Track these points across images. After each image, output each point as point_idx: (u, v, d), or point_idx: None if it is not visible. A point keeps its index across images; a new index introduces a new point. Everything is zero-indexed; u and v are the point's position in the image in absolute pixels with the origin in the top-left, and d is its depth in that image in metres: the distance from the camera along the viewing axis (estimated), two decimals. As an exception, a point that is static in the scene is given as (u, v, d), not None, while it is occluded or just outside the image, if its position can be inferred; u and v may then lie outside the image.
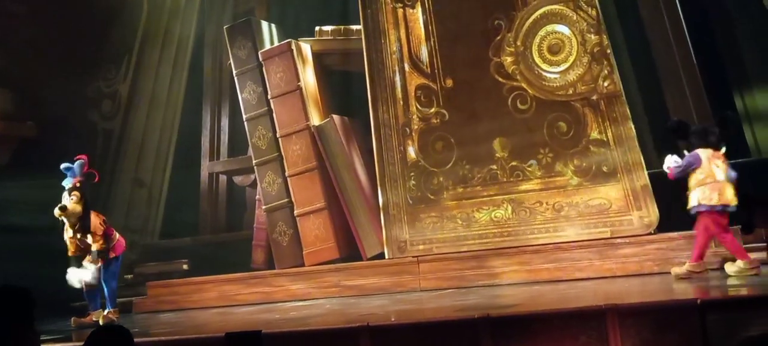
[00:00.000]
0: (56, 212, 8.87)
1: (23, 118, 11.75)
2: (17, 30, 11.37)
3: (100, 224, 9.02)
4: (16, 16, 11.39)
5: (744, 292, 6.92)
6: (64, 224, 8.97)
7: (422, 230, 9.97)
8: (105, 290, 9.21)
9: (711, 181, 7.68)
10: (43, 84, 11.56)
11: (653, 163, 9.68)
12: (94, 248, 8.97)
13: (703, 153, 7.81)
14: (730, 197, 7.66)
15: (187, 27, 13.44)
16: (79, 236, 8.97)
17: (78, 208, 8.89)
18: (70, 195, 8.98)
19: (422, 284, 9.52)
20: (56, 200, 9.34)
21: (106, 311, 9.15)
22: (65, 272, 9.06)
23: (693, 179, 7.83)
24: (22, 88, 11.71)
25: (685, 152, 7.98)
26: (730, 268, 7.67)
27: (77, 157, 9.31)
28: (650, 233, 8.94)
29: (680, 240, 8.68)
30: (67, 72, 11.85)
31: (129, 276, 11.44)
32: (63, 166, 9.16)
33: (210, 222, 13.18)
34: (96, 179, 9.56)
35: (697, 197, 7.76)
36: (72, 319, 9.13)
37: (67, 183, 9.05)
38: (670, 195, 9.01)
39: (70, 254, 9.04)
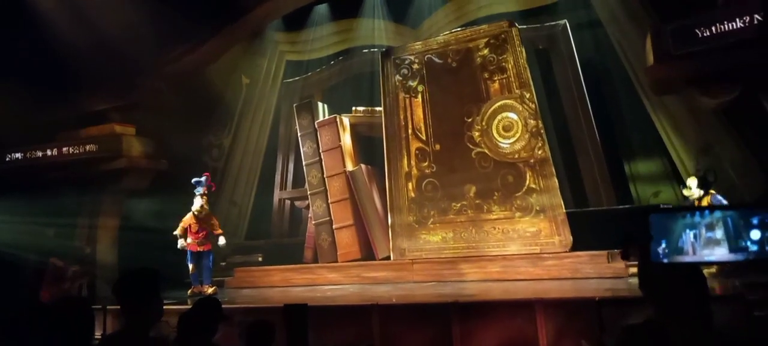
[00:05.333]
0: (196, 208, 9.02)
1: (159, 157, 11.88)
2: (158, 99, 11.55)
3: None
4: (160, 90, 11.56)
5: (626, 293, 6.83)
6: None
7: (416, 241, 9.92)
8: (205, 272, 9.24)
9: None
10: (173, 135, 11.69)
11: (569, 204, 9.63)
12: (218, 232, 9.31)
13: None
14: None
15: (270, 103, 13.61)
16: (201, 225, 9.13)
17: (207, 207, 9.09)
18: (201, 198, 9.15)
19: (414, 278, 9.43)
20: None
21: (206, 286, 9.17)
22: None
23: None
24: (159, 138, 11.85)
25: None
26: None
27: (205, 173, 9.47)
28: (566, 252, 8.85)
29: (585, 257, 8.59)
30: (189, 128, 12.00)
31: (223, 263, 11.44)
32: (194, 180, 9.31)
33: (277, 230, 13.19)
34: (213, 189, 9.83)
35: None
36: (189, 290, 9.14)
37: (199, 191, 9.22)
38: (578, 228, 8.97)
39: (178, 233, 9.24)
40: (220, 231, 9.35)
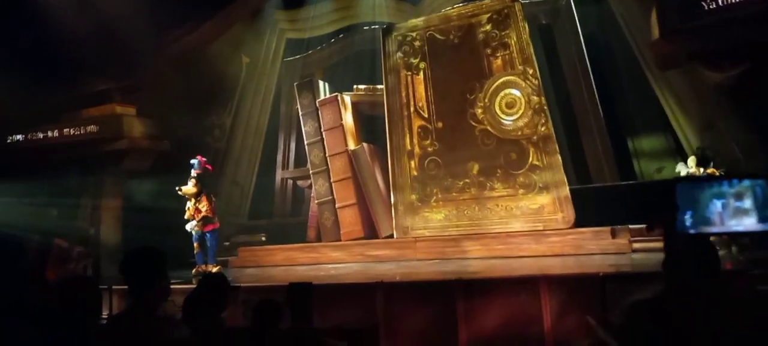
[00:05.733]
0: (187, 189, 9.01)
1: (161, 138, 11.83)
2: (159, 79, 11.47)
3: (209, 201, 9.13)
4: (160, 71, 11.48)
5: (630, 269, 6.85)
6: (186, 200, 9.07)
7: (419, 220, 9.93)
8: (210, 252, 9.24)
9: None
10: (175, 116, 11.64)
11: (572, 181, 9.61)
12: (204, 212, 9.05)
13: None
14: None
15: (271, 82, 13.51)
16: (196, 206, 9.08)
17: (193, 189, 9.02)
18: (189, 180, 9.11)
19: (418, 256, 9.45)
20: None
21: (210, 266, 9.18)
22: (185, 239, 9.12)
23: None
24: (161, 119, 11.80)
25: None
26: None
27: (199, 156, 9.41)
28: (569, 228, 8.85)
29: (589, 233, 8.60)
30: (191, 108, 11.93)
31: (227, 243, 11.45)
32: (191, 161, 9.28)
33: (280, 210, 13.19)
34: (211, 170, 9.67)
35: None
36: (194, 269, 9.14)
37: (192, 173, 9.18)
38: (581, 204, 8.96)
39: (186, 217, 9.09)
40: (206, 211, 9.20)
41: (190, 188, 9.05)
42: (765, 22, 6.31)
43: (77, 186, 11.32)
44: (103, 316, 2.95)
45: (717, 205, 1.83)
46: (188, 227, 9.08)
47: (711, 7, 6.65)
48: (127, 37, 10.27)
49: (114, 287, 7.23)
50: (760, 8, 6.30)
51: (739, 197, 1.80)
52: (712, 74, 7.82)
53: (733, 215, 1.82)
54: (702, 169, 7.85)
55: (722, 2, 6.56)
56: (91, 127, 11.33)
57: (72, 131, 11.42)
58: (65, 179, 10.96)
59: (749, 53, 6.81)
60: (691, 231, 1.85)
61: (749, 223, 1.81)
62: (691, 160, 8.16)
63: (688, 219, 1.85)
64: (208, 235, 9.17)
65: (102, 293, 2.74)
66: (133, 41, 10.45)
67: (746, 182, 1.79)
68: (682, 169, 8.20)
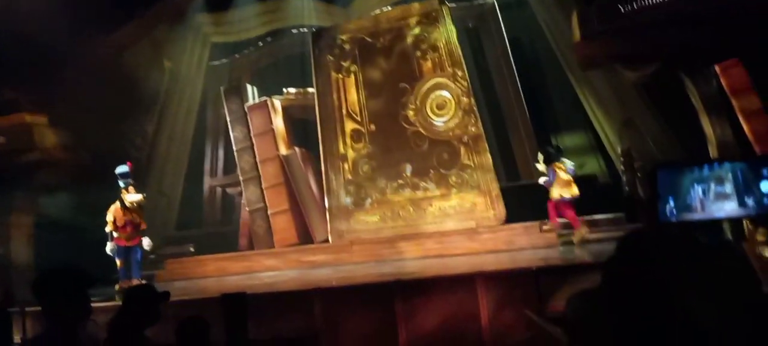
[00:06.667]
0: (133, 201, 8.45)
1: (77, 149, 11.10)
2: (76, 90, 10.79)
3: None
4: (79, 82, 10.80)
5: (560, 262, 7.07)
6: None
7: (354, 223, 9.87)
8: (136, 266, 8.77)
9: (562, 183, 8.26)
10: (92, 124, 10.98)
11: (502, 179, 9.86)
12: (143, 227, 8.65)
13: (555, 168, 8.35)
14: (574, 191, 8.23)
15: (196, 87, 13.01)
16: (128, 217, 8.57)
17: (141, 197, 8.59)
18: (132, 190, 8.61)
19: (354, 260, 9.37)
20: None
21: (134, 280, 8.71)
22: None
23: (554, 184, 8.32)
24: (79, 129, 11.08)
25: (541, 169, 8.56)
26: (575, 236, 8.23)
27: (127, 163, 8.91)
28: (501, 225, 9.06)
29: (519, 229, 8.84)
30: (110, 116, 11.30)
31: (152, 256, 10.91)
32: (119, 171, 8.73)
33: (210, 219, 12.76)
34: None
35: (557, 192, 8.26)
36: (117, 286, 8.62)
37: (128, 182, 8.66)
38: (511, 201, 9.21)
39: (109, 230, 8.55)
40: (144, 226, 8.80)
41: (138, 196, 8.57)
42: (675, 24, 6.72)
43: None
44: (16, 341, 2.69)
45: (698, 190, 1.84)
46: (109, 248, 8.55)
47: (627, 9, 7.01)
48: (40, 40, 9.60)
49: (27, 309, 6.68)
50: (671, 10, 6.70)
51: (719, 181, 1.82)
52: (629, 73, 8.24)
53: (714, 200, 1.83)
54: (546, 166, 8.47)
55: (637, 5, 6.93)
56: (-1, 139, 10.48)
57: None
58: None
59: (663, 53, 7.23)
60: (673, 219, 1.85)
61: (730, 208, 1.83)
62: (540, 159, 8.71)
63: (669, 207, 1.85)
64: (136, 247, 8.70)
65: (12, 317, 2.49)
66: (47, 45, 9.78)
67: (727, 165, 1.82)
68: (540, 179, 8.68)
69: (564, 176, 8.31)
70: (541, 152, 8.74)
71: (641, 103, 9.02)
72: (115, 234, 8.60)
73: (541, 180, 8.52)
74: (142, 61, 11.88)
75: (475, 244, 8.84)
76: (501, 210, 9.12)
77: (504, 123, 11.18)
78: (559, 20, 10.02)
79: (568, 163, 8.45)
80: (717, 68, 7.27)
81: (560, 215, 8.40)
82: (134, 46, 11.57)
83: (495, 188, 9.24)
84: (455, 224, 9.30)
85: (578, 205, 8.31)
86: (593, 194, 9.45)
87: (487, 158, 9.35)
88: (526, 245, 8.54)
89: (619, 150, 9.21)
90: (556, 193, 8.29)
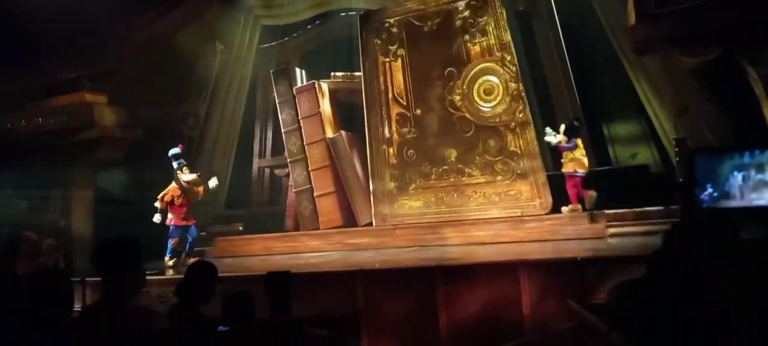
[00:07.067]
0: (189, 180, 8.85)
1: (133, 127, 11.55)
2: (130, 66, 11.21)
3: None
4: (131, 57, 11.21)
5: (607, 253, 6.93)
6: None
7: (398, 207, 9.92)
8: (190, 244, 9.11)
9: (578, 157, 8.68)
10: (147, 104, 11.39)
11: (549, 167, 9.69)
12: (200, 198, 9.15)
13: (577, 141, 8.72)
14: (586, 166, 8.70)
15: (247, 69, 13.28)
16: (185, 196, 8.94)
17: (197, 178, 9.05)
18: (187, 170, 8.96)
19: (397, 244, 9.43)
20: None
21: (187, 257, 9.05)
22: (155, 228, 8.98)
23: (568, 156, 8.74)
24: (134, 107, 11.52)
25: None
26: (565, 209, 8.70)
27: (179, 145, 9.25)
28: (546, 214, 8.93)
29: (565, 219, 8.70)
30: (164, 96, 11.70)
31: (203, 233, 11.29)
32: (173, 152, 9.07)
33: (257, 199, 13.07)
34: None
35: (573, 166, 8.69)
36: (171, 261, 8.97)
37: (181, 163, 9.01)
38: (558, 190, 9.06)
39: (160, 208, 8.92)
40: (202, 188, 9.18)
41: (193, 176, 8.94)
42: (738, 7, 6.41)
43: (47, 177, 11.02)
44: (76, 309, 2.86)
45: (737, 178, 1.78)
46: (157, 218, 8.90)
47: (686, -10, 6.74)
48: (97, 22, 9.99)
49: (87, 279, 7.06)
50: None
51: (760, 168, 1.76)
52: (687, 59, 7.93)
53: (754, 189, 1.77)
54: (566, 138, 8.80)
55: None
56: (61, 116, 11.01)
57: (41, 120, 11.08)
58: (35, 169, 10.66)
59: (723, 38, 6.93)
60: (709, 205, 1.81)
61: None
62: (561, 129, 8.99)
63: (706, 193, 1.81)
64: (191, 226, 9.05)
65: (73, 286, 2.66)
66: (104, 26, 10.18)
67: None
68: (551, 139, 8.98)
69: (581, 151, 8.64)
70: (566, 123, 9.04)
71: (699, 91, 8.66)
72: (170, 215, 8.93)
73: (555, 140, 8.83)
74: (195, 43, 12.21)
75: (519, 232, 8.75)
76: (547, 198, 8.98)
77: (553, 109, 10.94)
78: (613, 2, 9.71)
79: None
80: (782, 55, 6.90)
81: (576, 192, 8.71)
82: (187, 27, 11.89)
83: (542, 176, 9.10)
84: (499, 211, 9.23)
85: (630, 196, 8.22)
86: (645, 185, 9.20)
87: (535, 146, 9.19)
88: (572, 235, 8.39)
89: (673, 140, 8.90)
90: (572, 166, 8.67)
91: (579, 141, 8.82)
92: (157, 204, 8.92)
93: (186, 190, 8.95)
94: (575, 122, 9.15)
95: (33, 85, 11.21)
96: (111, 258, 2.65)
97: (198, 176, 9.09)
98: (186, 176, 8.91)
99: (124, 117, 11.46)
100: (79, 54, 10.83)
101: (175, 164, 9.05)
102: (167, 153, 9.18)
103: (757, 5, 6.58)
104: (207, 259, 9.98)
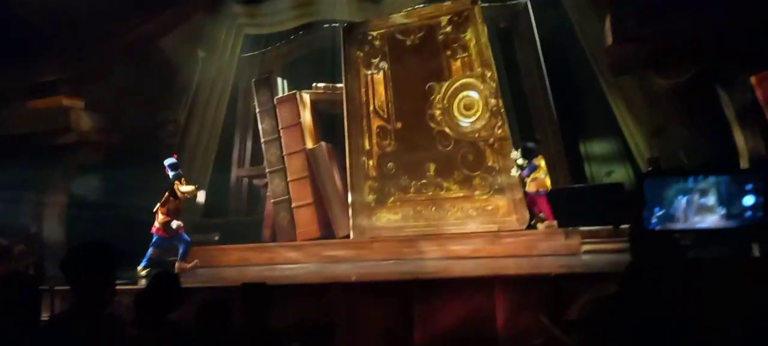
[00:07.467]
0: (189, 191, 8.99)
1: (111, 132, 11.42)
2: (110, 71, 11.10)
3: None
4: (111, 62, 11.11)
5: (581, 269, 7.01)
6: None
7: (376, 220, 9.94)
8: (182, 250, 9.05)
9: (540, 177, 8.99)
10: (126, 110, 11.28)
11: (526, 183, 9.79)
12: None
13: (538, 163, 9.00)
14: (548, 185, 9.02)
15: (228, 78, 13.19)
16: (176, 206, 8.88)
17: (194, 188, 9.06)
18: (177, 182, 8.88)
19: (374, 257, 9.41)
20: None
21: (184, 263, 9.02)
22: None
23: (531, 178, 9.03)
24: (113, 113, 11.40)
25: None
26: (541, 225, 8.87)
27: (174, 155, 9.18)
28: (523, 229, 9.01)
29: (541, 235, 8.79)
30: (143, 102, 11.59)
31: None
32: (168, 162, 9.00)
33: (235, 209, 12.97)
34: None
35: (535, 186, 9.02)
36: (140, 269, 8.85)
37: (178, 172, 8.95)
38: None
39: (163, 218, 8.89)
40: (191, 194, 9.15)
41: (191, 188, 8.87)
42: (711, 31, 6.60)
43: (20, 181, 10.82)
44: (43, 317, 2.82)
45: (682, 201, 1.87)
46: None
47: (664, 15, 6.91)
48: (77, 26, 9.89)
49: (56, 287, 6.93)
50: (708, 17, 6.59)
51: (703, 193, 1.85)
52: (662, 80, 8.12)
53: (697, 212, 1.86)
54: (526, 161, 9.06)
55: (674, 10, 6.83)
56: (37, 120, 10.83)
57: (16, 123, 10.88)
58: (7, 173, 10.46)
59: (695, 61, 7.12)
60: (657, 228, 1.90)
61: (712, 220, 1.86)
62: (518, 153, 9.21)
63: (654, 216, 1.89)
64: (182, 234, 8.99)
65: (41, 293, 2.62)
66: (83, 30, 10.07)
67: (711, 178, 1.84)
68: (514, 172, 9.19)
69: (544, 170, 8.89)
70: (521, 149, 9.24)
71: (673, 112, 8.86)
72: (156, 224, 8.84)
73: (516, 172, 9.02)
74: (176, 50, 12.13)
75: (495, 247, 8.80)
76: (524, 214, 9.07)
77: (531, 126, 11.09)
78: (592, 22, 9.90)
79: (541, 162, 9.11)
80: (752, 80, 7.11)
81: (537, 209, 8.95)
82: (169, 34, 11.82)
83: (519, 192, 9.20)
84: (477, 226, 9.30)
85: (605, 213, 8.35)
86: (620, 203, 9.32)
87: (513, 162, 9.30)
88: (547, 250, 8.48)
89: (646, 159, 9.08)
90: (534, 187, 8.93)
91: (541, 162, 9.07)
92: (160, 216, 8.83)
93: (180, 201, 8.90)
94: (529, 144, 9.39)
95: (9, 88, 11.02)
96: (80, 264, 2.59)
97: (196, 188, 9.02)
98: (184, 188, 8.85)
99: (101, 122, 11.32)
100: (58, 58, 10.70)
101: (172, 175, 8.98)
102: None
103: (729, 30, 6.78)
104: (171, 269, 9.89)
